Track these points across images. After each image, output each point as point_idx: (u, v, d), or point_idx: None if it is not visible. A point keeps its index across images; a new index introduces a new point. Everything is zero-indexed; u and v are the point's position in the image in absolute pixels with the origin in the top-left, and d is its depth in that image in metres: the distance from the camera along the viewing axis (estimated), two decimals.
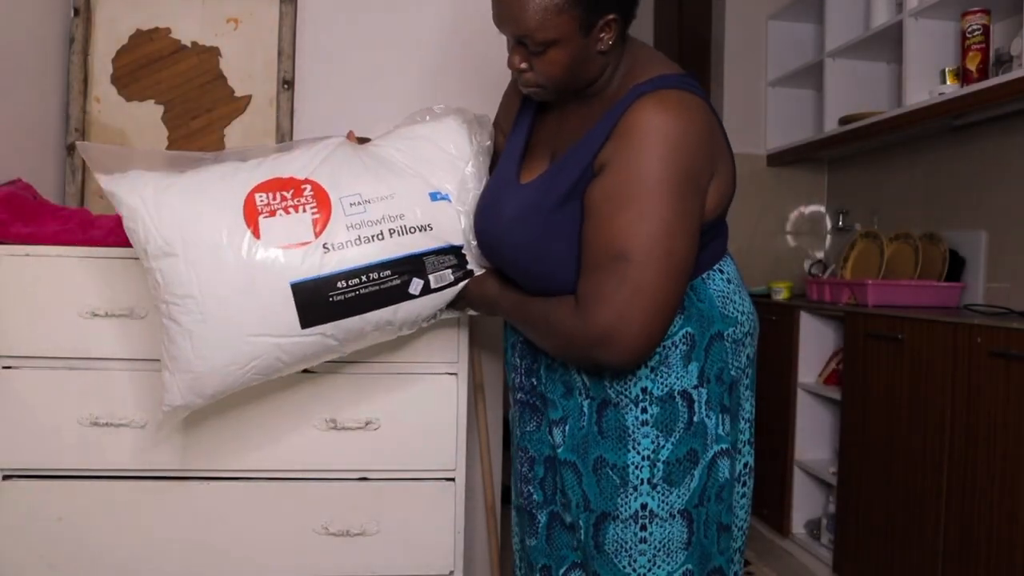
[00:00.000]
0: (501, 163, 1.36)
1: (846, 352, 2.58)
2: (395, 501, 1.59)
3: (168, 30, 2.00)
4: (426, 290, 1.33)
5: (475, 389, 2.01)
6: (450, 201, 1.36)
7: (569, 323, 1.17)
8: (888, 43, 2.98)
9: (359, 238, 1.29)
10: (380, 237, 1.29)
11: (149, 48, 1.99)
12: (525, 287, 1.30)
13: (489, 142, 1.43)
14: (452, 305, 1.41)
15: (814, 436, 2.96)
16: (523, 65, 1.20)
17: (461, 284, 1.37)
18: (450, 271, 1.36)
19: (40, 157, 1.93)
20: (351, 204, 1.30)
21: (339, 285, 1.27)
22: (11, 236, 1.53)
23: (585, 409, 1.27)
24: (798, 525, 2.98)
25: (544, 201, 1.21)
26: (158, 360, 1.34)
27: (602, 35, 1.17)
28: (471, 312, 1.46)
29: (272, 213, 1.27)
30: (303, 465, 1.56)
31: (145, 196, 1.26)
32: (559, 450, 1.29)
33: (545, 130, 1.32)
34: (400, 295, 1.31)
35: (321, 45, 2.07)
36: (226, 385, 1.29)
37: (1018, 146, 2.56)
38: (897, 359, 2.32)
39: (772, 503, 3.07)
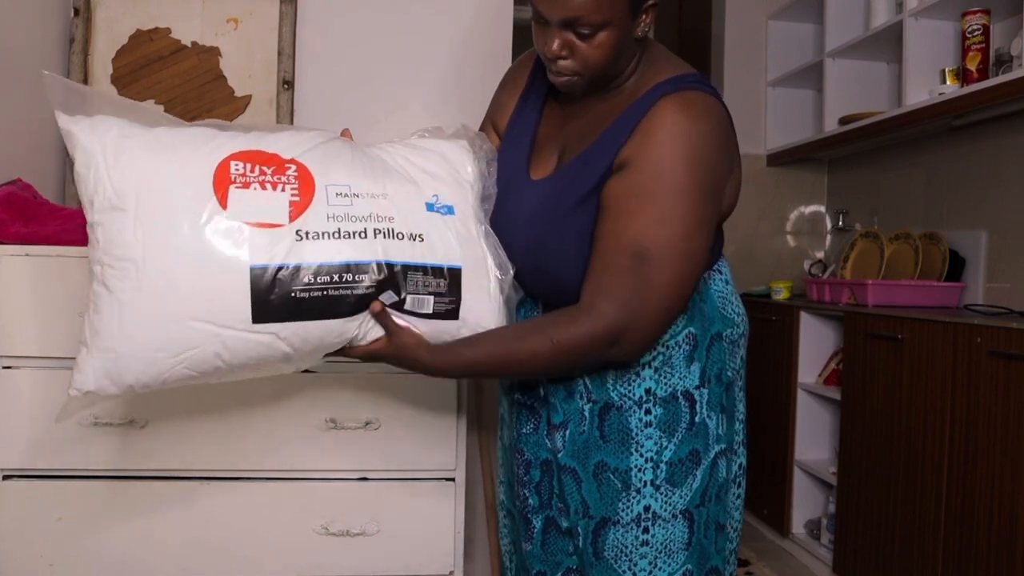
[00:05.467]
0: (506, 156, 1.33)
1: (846, 352, 2.58)
2: (395, 501, 1.58)
3: (168, 30, 2.00)
4: (398, 308, 1.16)
5: (475, 389, 2.01)
6: (453, 214, 1.21)
7: (576, 331, 1.13)
8: (888, 43, 2.98)
9: (339, 231, 1.12)
10: (363, 235, 1.13)
11: (149, 48, 1.99)
12: (531, 285, 1.29)
13: (493, 164, 1.35)
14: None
15: (814, 436, 2.96)
16: (563, 52, 1.15)
17: (442, 322, 1.19)
18: (432, 299, 1.17)
19: (40, 157, 1.93)
20: (337, 194, 1.15)
21: (306, 280, 1.10)
22: (11, 236, 1.53)
23: (586, 413, 1.26)
24: (798, 525, 2.98)
25: (563, 200, 1.20)
26: None
27: (643, 19, 1.17)
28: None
29: (246, 185, 1.11)
30: (303, 465, 1.56)
31: (106, 141, 1.11)
32: (559, 455, 1.28)
33: (553, 126, 1.30)
34: (368, 305, 1.15)
35: (321, 45, 2.07)
36: (148, 376, 1.10)
37: (1018, 146, 2.57)
38: (897, 359, 2.32)
39: (772, 503, 3.07)
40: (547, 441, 1.31)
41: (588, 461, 1.26)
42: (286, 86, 2.02)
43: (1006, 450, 1.91)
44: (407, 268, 1.15)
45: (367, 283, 1.13)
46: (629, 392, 1.24)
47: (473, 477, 2.03)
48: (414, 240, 1.17)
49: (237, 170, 1.12)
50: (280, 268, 1.09)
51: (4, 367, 1.51)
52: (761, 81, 3.75)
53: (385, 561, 1.59)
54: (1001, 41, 2.55)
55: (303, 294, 1.10)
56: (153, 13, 1.99)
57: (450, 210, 1.21)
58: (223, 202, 1.09)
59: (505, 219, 1.27)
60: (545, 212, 1.21)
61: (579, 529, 1.27)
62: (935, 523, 2.14)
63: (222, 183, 1.10)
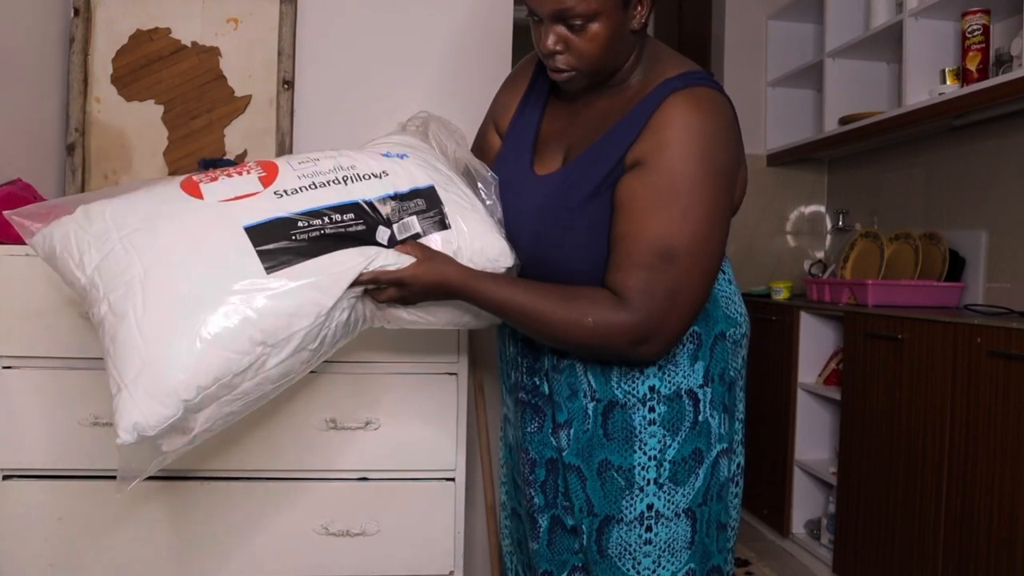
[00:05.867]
0: (508, 155, 1.33)
1: (846, 352, 2.58)
2: (395, 501, 1.59)
3: (168, 30, 1.99)
4: (393, 241, 1.19)
5: (475, 389, 2.01)
6: (408, 157, 1.26)
7: (614, 319, 1.14)
8: (888, 43, 2.98)
9: (313, 184, 1.18)
10: (336, 182, 1.19)
11: (149, 48, 1.99)
12: (537, 278, 1.28)
13: (455, 146, 1.38)
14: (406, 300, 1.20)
15: (814, 436, 2.96)
16: (558, 47, 1.17)
17: (427, 239, 1.20)
18: (416, 218, 1.20)
19: (40, 157, 1.93)
20: (300, 162, 1.22)
21: (300, 225, 1.13)
22: (11, 236, 1.53)
23: (590, 412, 1.26)
24: (798, 525, 2.98)
25: (572, 194, 1.20)
26: None
27: (637, 11, 1.17)
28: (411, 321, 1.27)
29: (213, 179, 1.18)
30: (303, 465, 1.56)
31: (75, 216, 1.16)
32: (564, 453, 1.28)
33: (557, 123, 1.31)
34: (368, 241, 1.17)
35: (321, 45, 2.06)
36: (191, 374, 1.04)
37: (1018, 146, 2.56)
38: (897, 359, 2.32)
39: (772, 503, 3.07)
40: (552, 440, 1.31)
41: (592, 459, 1.26)
42: (286, 86, 2.02)
43: (1006, 450, 1.91)
44: (382, 200, 1.20)
45: (356, 221, 1.17)
46: (633, 389, 1.24)
47: (473, 477, 2.03)
48: (379, 177, 1.22)
49: (200, 177, 1.20)
50: (271, 221, 1.13)
51: (4, 367, 1.51)
52: (761, 81, 3.75)
53: (385, 561, 1.59)
54: (1001, 41, 2.55)
55: (303, 235, 1.13)
56: (153, 13, 1.99)
57: (404, 156, 1.27)
58: (198, 195, 1.16)
59: (510, 215, 1.28)
60: (553, 207, 1.22)
61: (583, 527, 1.27)
62: (935, 523, 2.14)
63: (191, 187, 1.18)
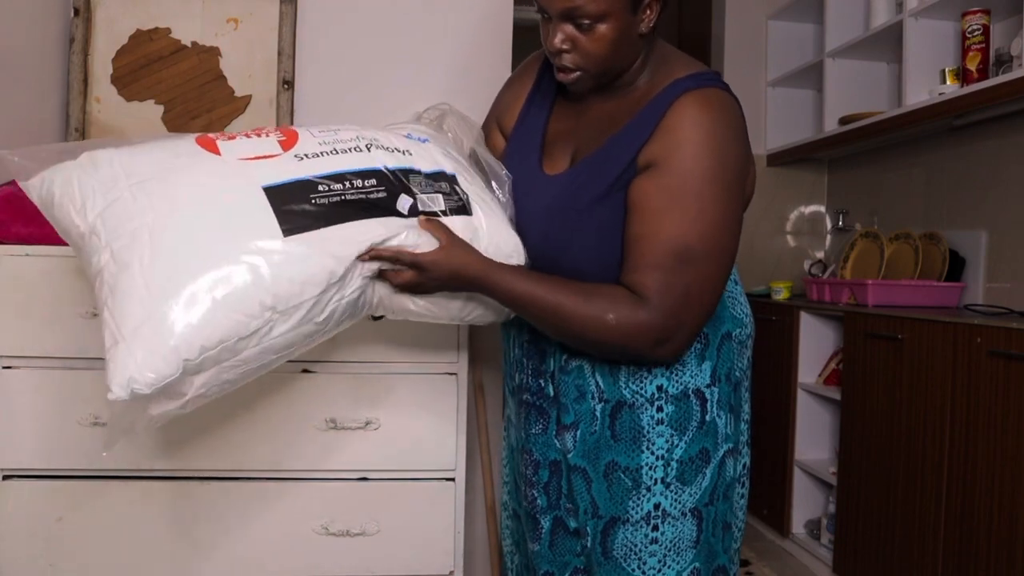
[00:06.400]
0: (515, 154, 1.33)
1: (846, 352, 2.58)
2: (395, 501, 1.59)
3: (168, 30, 1.99)
4: (414, 211, 1.16)
5: (475, 389, 2.01)
6: (429, 142, 1.25)
7: (635, 318, 1.14)
8: (888, 43, 2.98)
9: (335, 150, 1.15)
10: (358, 150, 1.16)
11: (149, 48, 1.99)
12: None
13: (469, 138, 1.39)
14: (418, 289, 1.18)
15: (814, 436, 2.96)
16: (565, 46, 1.17)
17: (449, 220, 1.18)
18: (442, 197, 1.19)
19: None
20: (320, 131, 1.19)
21: (321, 189, 1.09)
22: (11, 236, 1.53)
23: (598, 413, 1.26)
24: (798, 525, 2.98)
25: (583, 195, 1.20)
26: None
27: (645, 15, 1.17)
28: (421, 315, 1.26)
29: (231, 138, 1.14)
30: (303, 465, 1.56)
31: (80, 163, 1.10)
32: (570, 456, 1.28)
33: (564, 124, 1.31)
34: (389, 210, 1.14)
35: (321, 45, 2.06)
36: (194, 333, 0.99)
37: (1018, 146, 2.57)
38: (897, 359, 2.32)
39: (772, 503, 3.07)
40: (556, 441, 1.31)
41: (599, 461, 1.26)
42: (286, 86, 2.02)
43: (1006, 450, 1.91)
44: (407, 172, 1.18)
45: (378, 188, 1.14)
46: (641, 389, 1.24)
47: (473, 477, 2.03)
48: (403, 153, 1.20)
49: (217, 135, 1.16)
50: (292, 182, 1.10)
51: (4, 367, 1.51)
52: (761, 81, 3.75)
53: (385, 561, 1.59)
54: (1001, 41, 2.55)
55: (323, 200, 1.09)
56: (153, 13, 1.99)
57: (425, 140, 1.26)
58: (215, 151, 1.12)
59: (518, 215, 1.28)
60: (562, 208, 1.22)
61: (587, 529, 1.27)
62: (935, 523, 2.14)
63: (207, 143, 1.14)
